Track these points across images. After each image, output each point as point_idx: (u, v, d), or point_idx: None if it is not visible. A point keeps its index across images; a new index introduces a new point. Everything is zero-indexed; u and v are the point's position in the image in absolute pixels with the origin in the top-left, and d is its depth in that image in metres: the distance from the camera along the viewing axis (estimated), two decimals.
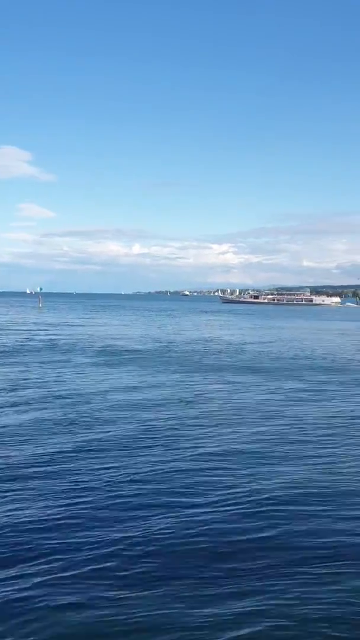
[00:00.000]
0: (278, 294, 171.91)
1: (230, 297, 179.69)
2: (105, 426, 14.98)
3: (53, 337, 42.32)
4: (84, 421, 15.46)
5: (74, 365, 27.16)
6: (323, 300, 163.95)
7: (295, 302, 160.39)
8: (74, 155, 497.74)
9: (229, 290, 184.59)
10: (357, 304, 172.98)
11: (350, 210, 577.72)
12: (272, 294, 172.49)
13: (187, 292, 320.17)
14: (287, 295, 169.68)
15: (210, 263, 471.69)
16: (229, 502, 9.74)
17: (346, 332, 58.28)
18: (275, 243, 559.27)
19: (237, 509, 9.43)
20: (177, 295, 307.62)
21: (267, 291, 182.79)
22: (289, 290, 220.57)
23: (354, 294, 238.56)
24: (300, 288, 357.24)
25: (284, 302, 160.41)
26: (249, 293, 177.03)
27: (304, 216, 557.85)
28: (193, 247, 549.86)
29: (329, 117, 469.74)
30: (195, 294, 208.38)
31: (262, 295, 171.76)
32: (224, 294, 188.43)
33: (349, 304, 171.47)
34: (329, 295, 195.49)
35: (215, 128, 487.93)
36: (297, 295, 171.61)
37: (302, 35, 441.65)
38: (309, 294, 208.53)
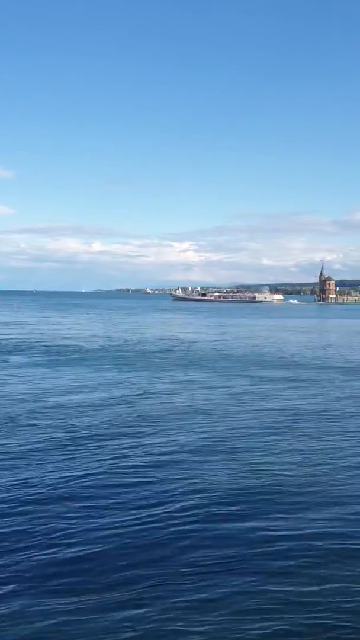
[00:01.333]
0: (224, 292, 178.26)
1: (180, 294, 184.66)
2: (25, 431, 14.45)
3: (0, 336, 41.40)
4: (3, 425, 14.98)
5: (10, 365, 26.58)
6: (265, 298, 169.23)
7: (239, 299, 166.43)
8: (33, 151, 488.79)
9: (179, 289, 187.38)
10: (299, 301, 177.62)
11: (308, 210, 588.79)
12: (218, 292, 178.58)
13: (148, 290, 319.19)
14: (232, 293, 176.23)
15: (172, 261, 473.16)
16: (166, 501, 9.86)
17: (293, 329, 59.32)
18: (235, 241, 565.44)
19: (172, 510, 9.53)
20: (140, 293, 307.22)
21: (212, 288, 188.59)
22: (249, 288, 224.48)
23: (312, 291, 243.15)
24: (260, 286, 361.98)
25: (229, 299, 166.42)
26: (197, 291, 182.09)
27: (263, 215, 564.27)
28: (154, 245, 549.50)
29: (286, 116, 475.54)
30: (157, 291, 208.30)
31: (209, 293, 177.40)
32: (175, 291, 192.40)
33: (291, 301, 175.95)
34: (277, 292, 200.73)
35: (175, 126, 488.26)
36: (241, 292, 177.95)
37: (260, 34, 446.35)
38: (268, 291, 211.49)
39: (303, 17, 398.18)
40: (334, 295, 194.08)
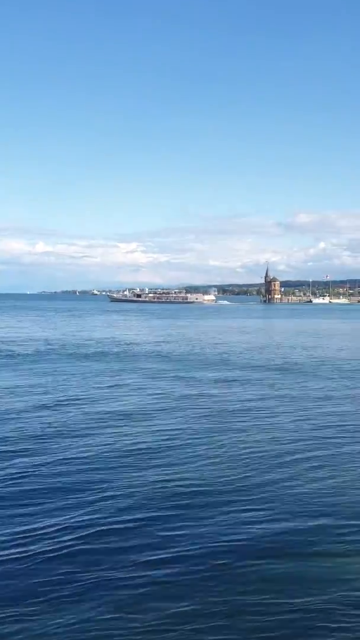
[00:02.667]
0: (158, 293, 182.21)
1: (116, 295, 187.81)
2: None
3: None
4: None
5: None
6: (197, 298, 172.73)
7: (172, 300, 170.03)
8: None
9: (127, 290, 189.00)
10: (230, 302, 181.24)
11: (252, 212, 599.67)
12: (152, 293, 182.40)
13: (96, 292, 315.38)
14: (165, 294, 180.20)
15: (119, 262, 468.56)
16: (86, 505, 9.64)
17: (223, 329, 59.28)
18: (182, 242, 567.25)
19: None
20: (87, 295, 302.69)
21: (148, 289, 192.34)
22: (197, 289, 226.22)
23: (258, 292, 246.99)
24: (208, 287, 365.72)
25: (163, 300, 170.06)
26: (133, 292, 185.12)
27: (208, 217, 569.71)
28: (100, 246, 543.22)
29: (229, 119, 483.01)
30: (104, 293, 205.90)
31: (144, 294, 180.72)
32: (111, 293, 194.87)
33: (221, 302, 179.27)
34: (225, 293, 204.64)
35: (119, 127, 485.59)
36: (173, 293, 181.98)
37: (199, 38, 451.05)
38: (215, 292, 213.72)
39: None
40: (279, 296, 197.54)
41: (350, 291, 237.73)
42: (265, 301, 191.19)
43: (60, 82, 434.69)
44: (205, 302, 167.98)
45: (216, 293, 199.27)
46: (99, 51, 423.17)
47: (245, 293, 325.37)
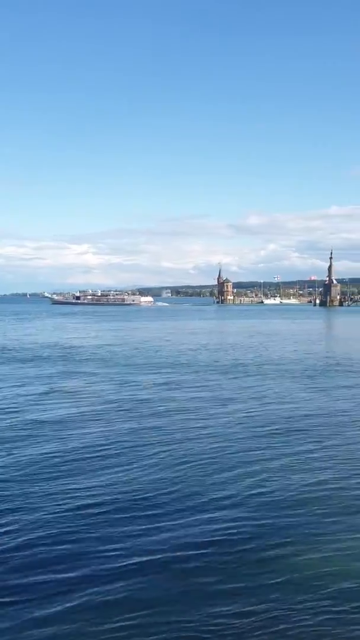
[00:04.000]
0: (97, 296, 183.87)
1: (56, 298, 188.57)
2: None
3: None
4: None
5: None
6: (133, 300, 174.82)
7: (110, 302, 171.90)
8: None
9: (79, 292, 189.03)
10: (168, 303, 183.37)
11: (204, 214, 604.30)
12: (91, 296, 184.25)
13: (47, 294, 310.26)
14: (104, 296, 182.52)
15: (70, 264, 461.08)
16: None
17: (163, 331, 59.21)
18: (135, 244, 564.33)
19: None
20: (38, 297, 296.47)
21: (90, 290, 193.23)
22: (150, 290, 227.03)
23: (211, 293, 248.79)
24: (161, 288, 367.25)
25: (101, 302, 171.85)
26: (73, 294, 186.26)
27: (160, 218, 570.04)
28: (50, 248, 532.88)
29: (180, 119, 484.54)
30: (55, 296, 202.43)
31: (82, 296, 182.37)
32: (52, 296, 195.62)
33: (158, 303, 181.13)
34: (178, 294, 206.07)
35: (69, 127, 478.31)
36: (111, 295, 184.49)
37: (144, 37, 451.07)
38: (169, 293, 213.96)
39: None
40: (232, 297, 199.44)
41: (300, 292, 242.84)
42: (218, 302, 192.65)
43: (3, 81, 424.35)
44: (142, 304, 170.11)
45: (169, 294, 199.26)
46: (52, 50, 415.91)
47: (198, 294, 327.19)
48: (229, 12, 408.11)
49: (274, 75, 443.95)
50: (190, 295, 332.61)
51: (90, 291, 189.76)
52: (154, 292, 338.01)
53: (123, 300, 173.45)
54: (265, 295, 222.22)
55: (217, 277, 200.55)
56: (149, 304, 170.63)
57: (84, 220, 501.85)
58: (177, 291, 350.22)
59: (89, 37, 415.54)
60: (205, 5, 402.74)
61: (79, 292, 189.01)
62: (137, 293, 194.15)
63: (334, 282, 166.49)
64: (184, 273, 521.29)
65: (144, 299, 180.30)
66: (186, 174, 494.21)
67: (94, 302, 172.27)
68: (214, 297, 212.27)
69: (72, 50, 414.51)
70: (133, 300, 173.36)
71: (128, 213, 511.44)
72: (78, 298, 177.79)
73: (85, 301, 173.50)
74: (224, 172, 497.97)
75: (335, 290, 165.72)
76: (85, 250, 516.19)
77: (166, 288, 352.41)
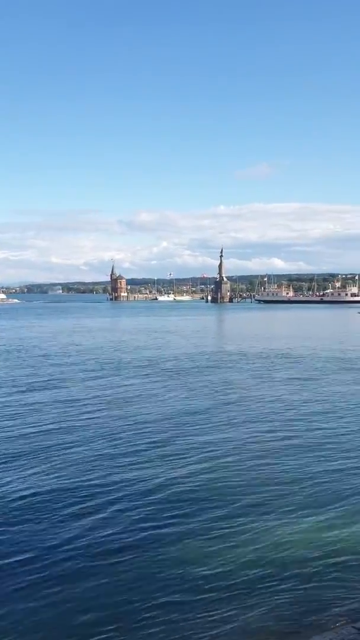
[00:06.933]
0: None
1: None
2: None
3: None
4: None
5: None
6: None
7: None
8: None
9: None
10: (20, 300, 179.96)
11: (93, 209, 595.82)
12: None
13: None
14: None
15: None
16: None
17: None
18: (22, 239, 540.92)
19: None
20: None
21: (4, 288, 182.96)
22: (40, 286, 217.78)
23: (104, 290, 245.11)
24: (52, 285, 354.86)
25: None
26: None
27: (48, 212, 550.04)
28: None
29: (70, 114, 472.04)
30: None
31: None
32: None
33: (10, 300, 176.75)
34: (69, 291, 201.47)
35: None
36: None
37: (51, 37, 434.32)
38: (60, 291, 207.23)
39: None
40: (126, 294, 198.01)
41: (193, 289, 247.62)
42: (112, 299, 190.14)
43: None
44: None
45: (60, 291, 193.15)
46: None
47: (91, 291, 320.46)
48: None
49: (168, 70, 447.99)
50: (83, 292, 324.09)
51: (4, 288, 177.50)
52: (44, 289, 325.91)
53: None
54: (159, 292, 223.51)
55: (109, 273, 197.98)
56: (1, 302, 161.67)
57: None
58: (68, 288, 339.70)
59: None
60: None
61: None
62: (26, 290, 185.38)
63: (225, 279, 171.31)
64: (75, 269, 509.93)
65: None
66: (74, 167, 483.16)
67: None
68: (108, 294, 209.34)
69: None
70: None
71: (12, 207, 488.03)
72: None
73: None
74: (114, 167, 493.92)
75: (226, 288, 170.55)
76: None
77: (57, 284, 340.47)
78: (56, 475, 11.28)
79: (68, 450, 13.02)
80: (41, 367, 27.43)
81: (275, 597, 7.00)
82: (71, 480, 10.96)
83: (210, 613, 6.69)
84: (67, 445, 13.46)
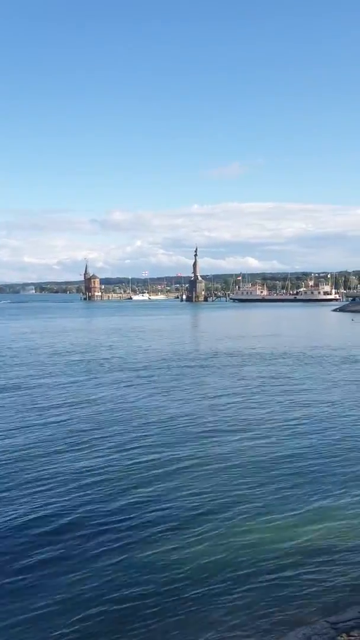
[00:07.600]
0: None
1: None
2: None
3: None
4: None
5: None
6: None
7: None
8: None
9: None
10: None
11: (65, 208, 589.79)
12: None
13: None
14: None
15: None
16: None
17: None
18: None
19: None
20: None
21: None
22: (13, 286, 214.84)
23: (78, 290, 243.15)
24: (25, 285, 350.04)
25: None
26: None
27: (20, 212, 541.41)
28: None
29: (38, 113, 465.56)
30: None
31: None
32: None
33: None
34: (42, 291, 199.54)
35: None
36: None
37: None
38: (33, 290, 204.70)
39: None
40: (100, 293, 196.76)
41: (168, 288, 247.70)
42: (85, 299, 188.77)
43: None
44: None
45: (33, 291, 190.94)
46: None
47: (64, 291, 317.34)
48: None
49: (138, 68, 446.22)
50: (56, 292, 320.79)
51: None
52: (17, 289, 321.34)
53: None
54: (134, 291, 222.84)
55: (83, 273, 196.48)
56: None
57: None
58: (41, 287, 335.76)
59: None
60: None
61: None
62: None
63: (199, 278, 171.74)
64: (48, 269, 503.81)
65: None
66: (46, 167, 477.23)
67: None
68: (81, 294, 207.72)
69: None
70: None
71: None
72: None
73: None
74: (86, 166, 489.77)
75: (201, 286, 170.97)
76: None
77: (30, 284, 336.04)
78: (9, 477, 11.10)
79: (27, 452, 12.92)
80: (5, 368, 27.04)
81: (250, 595, 7.07)
82: (23, 481, 10.83)
83: (185, 613, 6.72)
84: (26, 446, 13.36)
